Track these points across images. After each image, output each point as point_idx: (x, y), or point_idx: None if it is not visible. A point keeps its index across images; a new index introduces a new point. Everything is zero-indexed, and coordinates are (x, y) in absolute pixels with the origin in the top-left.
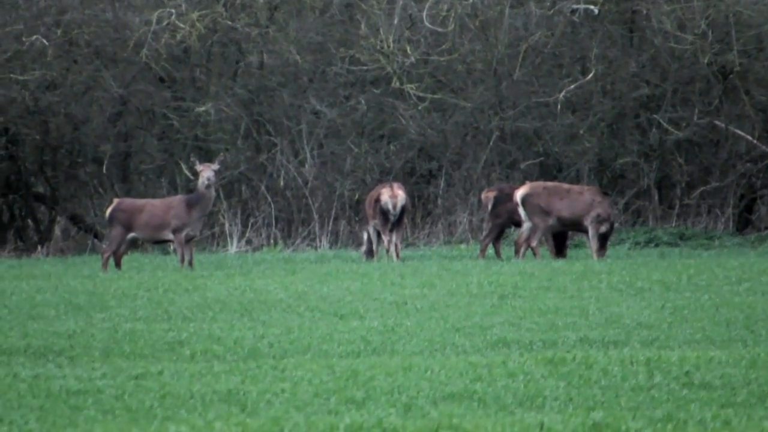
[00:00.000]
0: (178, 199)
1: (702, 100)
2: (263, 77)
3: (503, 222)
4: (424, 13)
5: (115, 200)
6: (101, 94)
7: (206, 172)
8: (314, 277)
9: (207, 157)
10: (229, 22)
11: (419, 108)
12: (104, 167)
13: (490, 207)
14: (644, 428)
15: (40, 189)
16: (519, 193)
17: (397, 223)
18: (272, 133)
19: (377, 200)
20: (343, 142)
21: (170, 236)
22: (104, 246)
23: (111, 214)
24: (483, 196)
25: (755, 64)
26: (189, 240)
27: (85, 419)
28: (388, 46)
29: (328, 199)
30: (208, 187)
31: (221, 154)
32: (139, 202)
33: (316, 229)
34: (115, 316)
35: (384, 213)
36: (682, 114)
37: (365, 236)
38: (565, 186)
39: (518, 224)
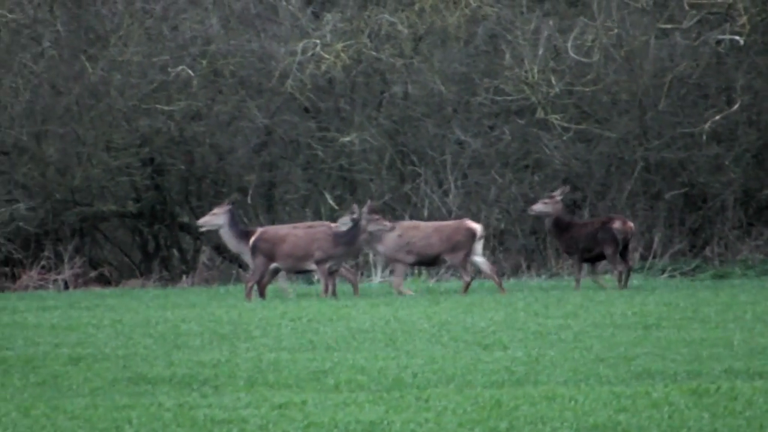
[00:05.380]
0: (323, 231)
1: None
2: (407, 107)
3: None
4: (569, 44)
5: (259, 230)
6: (246, 125)
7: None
8: (458, 307)
9: (351, 188)
10: (374, 53)
11: (564, 138)
12: (249, 197)
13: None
14: None
15: (186, 219)
16: None
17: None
18: (416, 163)
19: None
20: (488, 172)
21: (313, 267)
22: (248, 275)
23: (254, 243)
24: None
25: None
26: (333, 272)
27: None
28: (533, 77)
29: None
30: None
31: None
32: (282, 232)
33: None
34: (259, 346)
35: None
36: None
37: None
38: None
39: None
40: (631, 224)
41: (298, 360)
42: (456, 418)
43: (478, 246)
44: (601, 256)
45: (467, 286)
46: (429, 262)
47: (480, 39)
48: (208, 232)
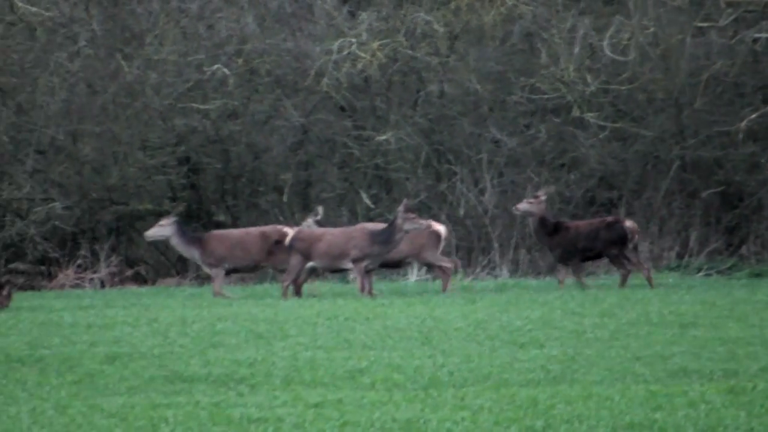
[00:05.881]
0: (359, 230)
1: None
2: (443, 106)
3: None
4: (605, 42)
5: (295, 229)
6: (282, 123)
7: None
8: (494, 306)
9: (387, 187)
10: (410, 52)
11: (600, 137)
12: (285, 196)
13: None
14: None
15: (221, 217)
16: None
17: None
18: (452, 162)
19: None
20: (524, 171)
21: (349, 265)
22: (284, 274)
23: (290, 242)
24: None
25: None
26: (369, 271)
27: None
28: (569, 75)
29: (508, 227)
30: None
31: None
32: (318, 231)
33: (496, 257)
34: (295, 344)
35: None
36: None
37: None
38: None
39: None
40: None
41: (334, 358)
42: (492, 417)
43: (440, 247)
44: (598, 256)
45: (446, 284)
46: (394, 264)
47: (516, 37)
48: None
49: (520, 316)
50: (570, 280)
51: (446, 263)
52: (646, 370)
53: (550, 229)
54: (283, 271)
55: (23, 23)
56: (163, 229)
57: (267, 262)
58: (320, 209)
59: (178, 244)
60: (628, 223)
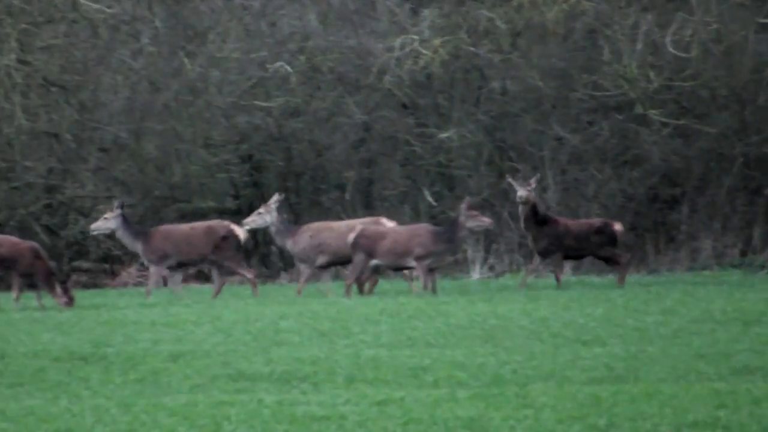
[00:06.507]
0: (424, 228)
1: None
2: (506, 103)
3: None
4: (668, 39)
5: (359, 227)
6: (344, 121)
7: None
8: (557, 304)
9: (449, 184)
10: (472, 48)
11: (662, 134)
12: (347, 194)
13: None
14: None
15: (284, 215)
16: None
17: None
18: (515, 159)
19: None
20: (586, 168)
21: (413, 263)
22: (347, 272)
23: (354, 240)
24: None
25: None
26: (432, 269)
27: None
28: (632, 72)
29: None
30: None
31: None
32: (382, 229)
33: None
34: (358, 342)
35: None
36: None
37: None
38: None
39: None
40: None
41: (396, 356)
42: (555, 415)
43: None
44: (583, 256)
45: (373, 286)
46: (345, 261)
47: (578, 34)
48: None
49: (583, 313)
50: (583, 277)
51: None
52: (710, 368)
53: (539, 219)
54: (222, 266)
55: (86, 21)
56: (107, 222)
57: (213, 257)
58: (276, 197)
59: (122, 236)
60: (617, 227)
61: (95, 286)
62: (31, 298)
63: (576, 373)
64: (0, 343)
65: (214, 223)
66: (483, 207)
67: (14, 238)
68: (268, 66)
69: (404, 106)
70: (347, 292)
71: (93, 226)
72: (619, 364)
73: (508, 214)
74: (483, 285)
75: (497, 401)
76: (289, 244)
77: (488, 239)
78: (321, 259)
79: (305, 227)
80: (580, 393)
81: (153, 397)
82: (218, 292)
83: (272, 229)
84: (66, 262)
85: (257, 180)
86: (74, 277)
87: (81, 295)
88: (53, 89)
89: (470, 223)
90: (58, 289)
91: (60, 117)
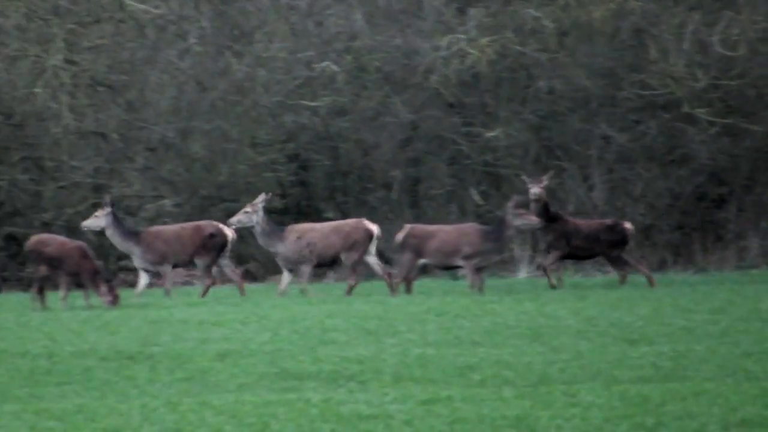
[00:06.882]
0: (472, 227)
1: None
2: (553, 102)
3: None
4: (715, 38)
5: (408, 226)
6: (391, 120)
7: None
8: (604, 303)
9: (496, 183)
10: (519, 48)
11: (710, 132)
12: (394, 193)
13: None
14: None
15: (331, 214)
16: None
17: None
18: (561, 158)
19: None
20: (633, 167)
21: (460, 263)
22: (394, 271)
23: (403, 240)
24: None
25: None
26: (480, 268)
27: None
28: (679, 71)
29: None
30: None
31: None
32: (431, 228)
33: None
34: (405, 341)
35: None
36: None
37: None
38: None
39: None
40: None
41: (444, 355)
42: (602, 414)
43: (372, 246)
44: (592, 256)
45: (351, 289)
46: (328, 263)
47: (625, 33)
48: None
49: (631, 312)
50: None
51: (352, 279)
52: (758, 367)
53: (550, 216)
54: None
55: (133, 21)
56: (98, 220)
57: (199, 257)
58: (262, 196)
59: (113, 235)
60: (627, 225)
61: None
62: (79, 297)
63: (623, 372)
64: (48, 342)
65: (203, 222)
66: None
67: (61, 238)
68: (314, 65)
69: (451, 105)
70: (394, 290)
71: (84, 223)
72: (666, 363)
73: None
74: (530, 284)
75: (544, 400)
76: (281, 248)
77: (535, 238)
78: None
79: (290, 228)
80: (627, 392)
81: (200, 395)
82: (242, 289)
83: (257, 229)
84: (113, 261)
85: (304, 179)
86: (121, 276)
87: (127, 294)
88: (100, 89)
89: (517, 222)
90: (104, 288)
91: (107, 116)
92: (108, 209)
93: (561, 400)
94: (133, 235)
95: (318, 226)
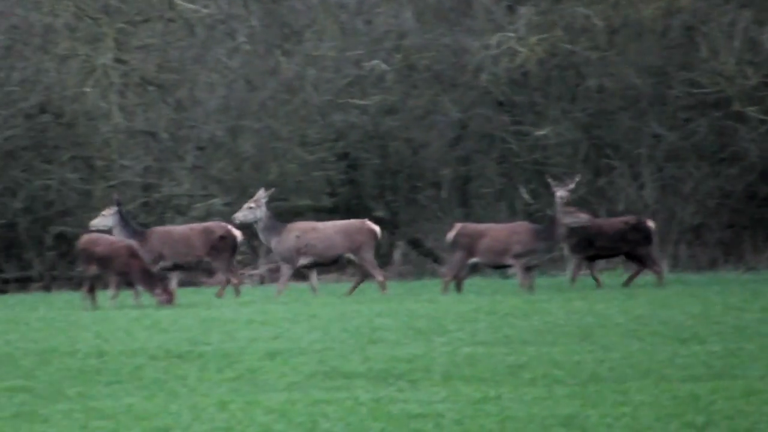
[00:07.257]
0: (522, 225)
1: None
2: (602, 100)
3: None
4: (766, 36)
5: (458, 225)
6: (441, 119)
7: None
8: (654, 301)
9: (546, 182)
10: (569, 46)
11: (760, 131)
12: (444, 191)
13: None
14: None
15: (380, 213)
16: None
17: None
18: (611, 157)
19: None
20: (683, 166)
21: (511, 261)
22: (445, 270)
23: (454, 238)
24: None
25: None
26: (530, 267)
27: None
28: (729, 69)
29: (667, 222)
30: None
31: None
32: (482, 227)
33: (656, 252)
34: (455, 340)
35: None
36: None
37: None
38: None
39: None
40: None
41: (493, 354)
42: (653, 413)
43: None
44: (616, 255)
45: (383, 285)
46: (329, 262)
47: (675, 31)
48: (404, 225)
49: (681, 311)
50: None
51: (380, 276)
52: None
53: None
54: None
55: (182, 20)
56: (105, 219)
57: (210, 258)
58: (262, 191)
59: (118, 235)
60: (650, 223)
61: (192, 284)
62: (129, 296)
63: (674, 370)
64: (98, 341)
65: (212, 224)
66: (580, 204)
67: (111, 237)
68: (364, 64)
69: (500, 103)
70: (444, 288)
71: (92, 222)
72: (717, 362)
73: (605, 212)
74: (579, 282)
75: (594, 399)
76: (274, 243)
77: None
78: (304, 260)
79: (291, 226)
80: (678, 391)
81: (249, 395)
82: (283, 290)
83: (260, 225)
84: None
85: (353, 178)
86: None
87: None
88: (150, 88)
89: (567, 219)
90: (158, 288)
91: (157, 115)
92: (114, 208)
93: (611, 399)
94: (138, 234)
95: (320, 225)
